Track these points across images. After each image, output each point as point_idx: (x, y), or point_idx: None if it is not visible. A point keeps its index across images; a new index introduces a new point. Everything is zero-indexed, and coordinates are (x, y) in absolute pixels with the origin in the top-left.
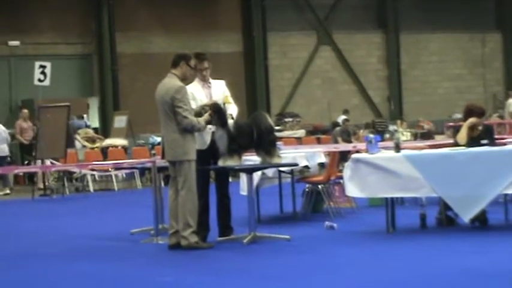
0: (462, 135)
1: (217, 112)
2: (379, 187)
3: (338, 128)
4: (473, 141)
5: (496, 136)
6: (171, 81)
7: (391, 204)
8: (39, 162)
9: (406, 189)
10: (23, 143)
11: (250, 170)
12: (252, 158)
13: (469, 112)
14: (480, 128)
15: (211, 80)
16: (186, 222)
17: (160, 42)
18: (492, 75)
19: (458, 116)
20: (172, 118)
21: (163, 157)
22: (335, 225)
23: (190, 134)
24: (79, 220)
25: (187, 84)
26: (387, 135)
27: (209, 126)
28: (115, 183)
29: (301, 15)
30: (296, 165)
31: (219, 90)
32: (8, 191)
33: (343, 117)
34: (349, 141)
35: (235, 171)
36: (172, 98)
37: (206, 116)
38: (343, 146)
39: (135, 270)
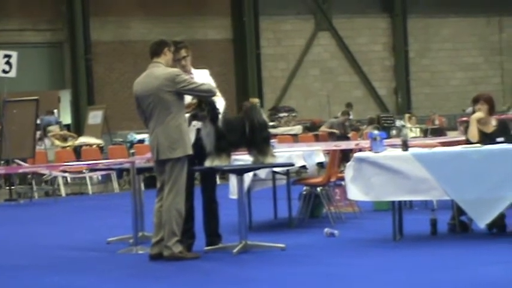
0: (473, 132)
1: (208, 104)
2: (385, 189)
3: (334, 119)
4: (487, 138)
5: None
6: (161, 70)
7: (398, 209)
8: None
9: (415, 192)
10: None
11: (240, 171)
12: (242, 158)
13: (476, 102)
14: (494, 123)
15: (193, 70)
16: (171, 229)
17: (140, 28)
18: (511, 64)
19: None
20: (170, 108)
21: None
22: (336, 232)
23: (186, 127)
24: (49, 228)
25: None
26: (394, 132)
27: (193, 122)
28: (89, 187)
29: None
30: (292, 165)
31: (202, 81)
32: None
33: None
34: (346, 136)
35: (223, 173)
36: (172, 82)
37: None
38: (344, 144)
39: (112, 283)
